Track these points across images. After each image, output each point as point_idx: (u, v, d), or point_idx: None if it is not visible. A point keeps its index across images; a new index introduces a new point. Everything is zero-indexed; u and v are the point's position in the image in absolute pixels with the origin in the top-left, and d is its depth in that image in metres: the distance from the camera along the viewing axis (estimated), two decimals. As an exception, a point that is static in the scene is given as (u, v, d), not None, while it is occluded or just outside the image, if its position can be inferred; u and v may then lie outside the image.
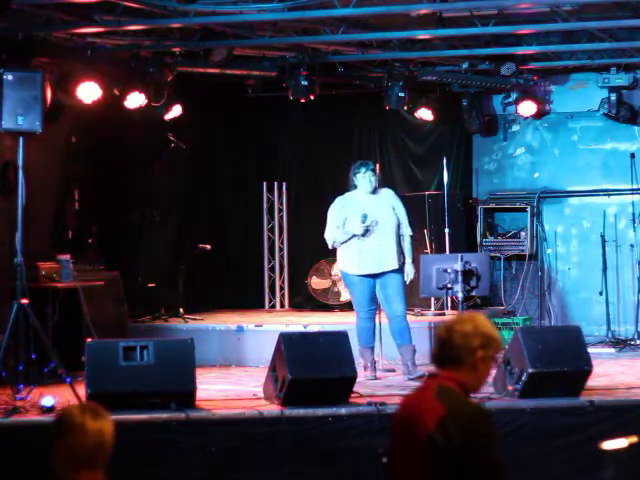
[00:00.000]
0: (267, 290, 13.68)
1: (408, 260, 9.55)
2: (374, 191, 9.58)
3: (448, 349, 3.88)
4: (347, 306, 12.93)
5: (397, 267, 9.47)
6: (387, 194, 9.71)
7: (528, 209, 13.03)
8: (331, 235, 9.58)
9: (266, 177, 13.71)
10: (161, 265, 12.32)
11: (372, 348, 9.61)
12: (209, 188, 13.31)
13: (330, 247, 9.65)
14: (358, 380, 8.20)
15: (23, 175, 8.35)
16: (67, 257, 9.95)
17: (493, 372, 3.99)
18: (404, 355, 9.52)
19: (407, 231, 9.65)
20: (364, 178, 9.52)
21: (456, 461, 3.70)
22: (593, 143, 13.10)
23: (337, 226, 9.54)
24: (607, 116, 12.74)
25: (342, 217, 9.52)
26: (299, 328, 10.67)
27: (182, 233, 12.82)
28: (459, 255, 9.26)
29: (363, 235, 9.43)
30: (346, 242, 9.52)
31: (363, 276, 9.47)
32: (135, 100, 10.71)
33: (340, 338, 8.20)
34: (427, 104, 12.65)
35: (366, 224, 9.40)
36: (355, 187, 9.61)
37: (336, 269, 13.02)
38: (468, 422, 3.73)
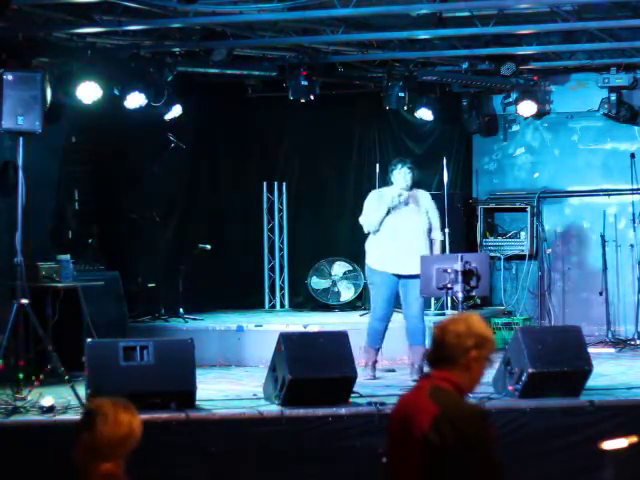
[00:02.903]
0: (267, 290, 13.68)
1: None
2: (410, 189, 9.57)
3: (442, 349, 3.89)
4: (347, 306, 12.96)
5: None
6: (423, 196, 9.71)
7: (528, 209, 13.04)
8: (367, 219, 9.55)
9: (266, 177, 13.71)
10: (161, 265, 12.32)
11: (377, 349, 9.60)
12: (209, 188, 13.32)
13: (366, 231, 9.58)
14: (358, 380, 8.21)
15: (23, 175, 8.35)
16: (67, 257, 9.95)
17: (488, 372, 3.96)
18: (412, 356, 9.52)
19: (438, 236, 9.65)
20: (400, 174, 9.53)
21: (451, 461, 3.70)
22: (593, 143, 13.10)
23: (369, 213, 9.55)
24: (607, 116, 12.74)
25: (377, 206, 9.53)
26: (299, 328, 10.67)
27: (182, 233, 12.83)
28: (459, 255, 9.26)
29: (395, 209, 9.41)
30: (379, 231, 9.47)
31: (388, 274, 9.47)
32: (135, 100, 10.71)
33: (340, 338, 8.20)
34: (427, 104, 12.65)
35: (402, 195, 9.40)
36: (392, 183, 9.62)
37: (336, 269, 13.06)
38: (463, 422, 3.73)
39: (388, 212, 9.45)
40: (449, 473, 3.71)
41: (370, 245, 9.66)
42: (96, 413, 3.85)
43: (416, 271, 9.33)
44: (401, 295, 9.55)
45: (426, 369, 8.83)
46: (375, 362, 9.61)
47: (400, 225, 9.46)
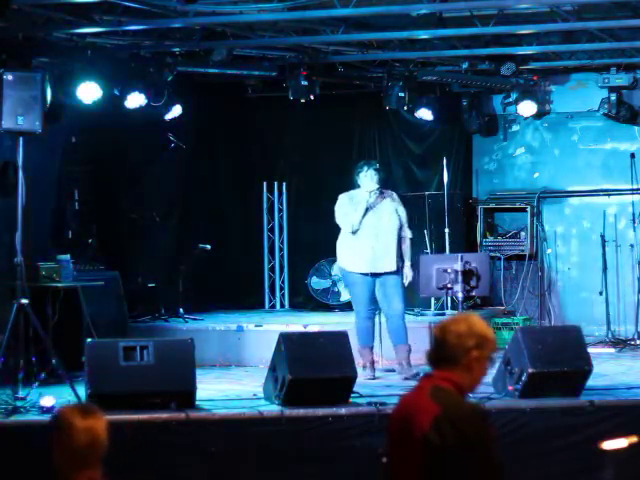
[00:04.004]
0: (267, 290, 13.68)
1: (407, 263, 9.60)
2: (378, 190, 9.61)
3: (443, 349, 3.89)
4: (347, 306, 12.93)
5: (396, 269, 9.53)
6: (391, 196, 9.80)
7: (528, 209, 13.03)
8: (347, 220, 9.58)
9: (266, 177, 13.71)
10: (161, 265, 12.32)
11: (371, 347, 9.64)
12: (209, 188, 13.32)
13: (348, 231, 9.59)
14: (358, 380, 8.20)
15: (23, 175, 8.35)
16: (67, 257, 9.95)
17: (489, 372, 3.96)
18: (399, 354, 9.57)
19: (408, 234, 9.73)
20: (366, 177, 9.60)
21: (451, 461, 3.70)
22: (593, 143, 13.10)
23: (347, 213, 9.58)
24: (607, 116, 12.74)
25: (351, 208, 9.59)
26: (299, 328, 10.67)
27: (182, 233, 12.83)
28: (459, 255, 9.27)
29: (371, 208, 9.49)
30: (356, 233, 9.52)
31: (363, 275, 9.51)
32: (135, 100, 10.72)
33: (340, 338, 8.20)
34: (427, 104, 12.65)
35: (375, 189, 9.48)
36: (359, 186, 9.66)
37: (336, 269, 13.03)
38: (463, 422, 3.73)
39: (366, 210, 9.50)
40: (449, 473, 3.71)
41: (342, 247, 9.72)
42: (54, 425, 3.79)
43: (391, 268, 9.46)
44: (379, 295, 9.58)
45: (414, 364, 8.80)
46: (373, 361, 9.62)
47: (375, 224, 9.55)
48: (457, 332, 3.86)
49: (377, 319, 9.78)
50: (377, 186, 9.58)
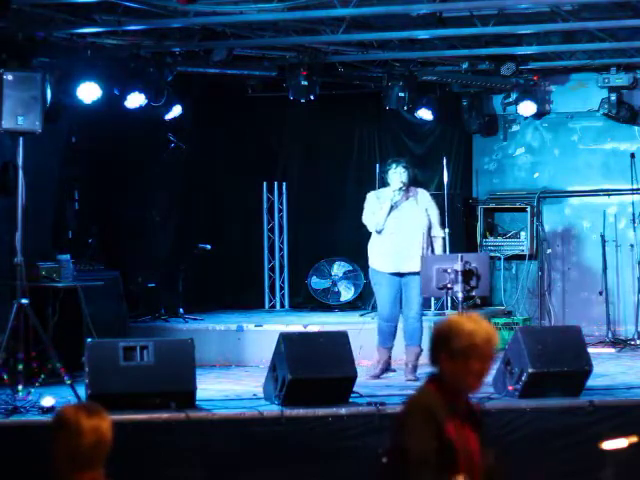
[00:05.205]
0: (267, 290, 13.68)
1: None
2: (407, 189, 9.58)
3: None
4: (347, 306, 12.96)
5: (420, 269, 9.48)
6: (422, 194, 9.72)
7: (528, 209, 13.04)
8: (373, 219, 9.53)
9: (266, 177, 13.71)
10: (161, 265, 12.32)
11: (390, 348, 9.63)
12: (209, 188, 13.31)
13: (372, 230, 9.54)
14: (358, 380, 8.21)
15: (23, 175, 8.35)
16: (67, 257, 9.95)
17: (476, 367, 3.95)
18: (408, 355, 9.55)
19: (439, 233, 9.69)
20: (395, 174, 9.53)
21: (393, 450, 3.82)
22: (593, 143, 13.10)
23: (374, 212, 9.55)
24: (607, 116, 12.75)
25: (378, 206, 9.54)
26: (299, 328, 10.68)
27: (182, 233, 12.83)
28: (459, 255, 9.26)
29: (396, 206, 9.47)
30: (381, 232, 9.50)
31: (390, 275, 9.50)
32: (135, 100, 10.72)
33: (340, 338, 8.20)
34: (427, 104, 12.65)
35: (399, 188, 9.44)
36: (389, 184, 9.62)
37: (336, 269, 13.06)
38: (402, 412, 3.82)
39: (391, 209, 9.48)
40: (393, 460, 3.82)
41: (372, 246, 9.68)
42: (58, 425, 3.71)
43: (416, 269, 9.38)
44: (403, 295, 9.57)
45: (420, 369, 8.79)
46: (389, 361, 9.62)
47: (401, 223, 9.50)
48: (433, 333, 3.95)
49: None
50: (401, 184, 9.52)
